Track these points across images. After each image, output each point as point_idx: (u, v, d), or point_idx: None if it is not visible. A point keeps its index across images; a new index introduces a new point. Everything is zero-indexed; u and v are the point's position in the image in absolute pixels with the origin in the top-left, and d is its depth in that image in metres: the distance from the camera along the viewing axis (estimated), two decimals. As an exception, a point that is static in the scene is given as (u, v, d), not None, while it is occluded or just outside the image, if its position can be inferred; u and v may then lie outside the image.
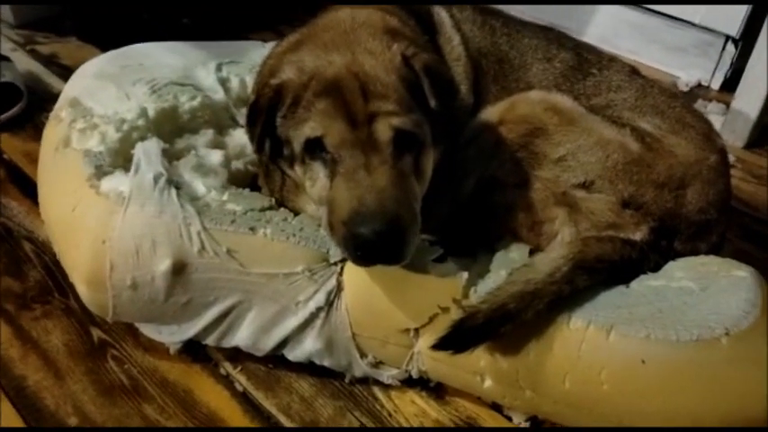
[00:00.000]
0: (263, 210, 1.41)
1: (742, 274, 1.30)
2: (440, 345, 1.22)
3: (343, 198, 1.17)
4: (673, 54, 2.73)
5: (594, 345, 1.21)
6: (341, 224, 1.17)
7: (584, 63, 1.64)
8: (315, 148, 1.23)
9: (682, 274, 1.33)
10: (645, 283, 1.31)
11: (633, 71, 1.68)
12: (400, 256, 1.18)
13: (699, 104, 2.56)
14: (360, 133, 1.19)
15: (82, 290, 1.41)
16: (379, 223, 1.13)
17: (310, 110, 1.22)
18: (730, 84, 2.48)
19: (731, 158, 2.23)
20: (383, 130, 1.19)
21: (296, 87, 1.25)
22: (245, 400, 1.41)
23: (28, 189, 1.90)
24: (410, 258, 1.22)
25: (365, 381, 1.44)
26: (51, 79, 2.44)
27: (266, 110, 1.28)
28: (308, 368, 1.44)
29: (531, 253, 1.39)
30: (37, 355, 1.46)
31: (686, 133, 1.49)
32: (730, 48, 2.58)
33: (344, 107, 1.20)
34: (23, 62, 2.48)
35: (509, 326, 1.21)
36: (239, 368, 1.46)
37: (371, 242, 1.13)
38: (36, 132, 2.12)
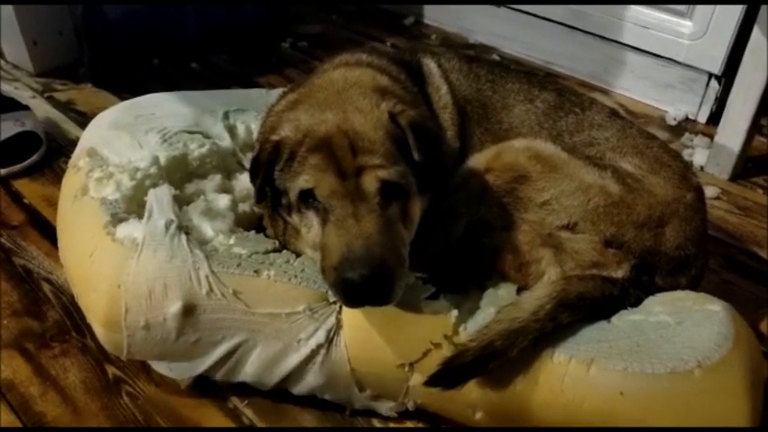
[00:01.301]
0: (266, 252, 1.50)
1: (715, 308, 1.38)
2: (432, 381, 1.29)
3: (333, 244, 1.27)
4: (661, 90, 2.83)
5: (576, 378, 1.29)
6: (332, 269, 1.26)
7: (566, 102, 1.74)
8: (308, 198, 1.33)
9: (660, 308, 1.40)
10: (625, 318, 1.39)
11: (613, 113, 1.77)
12: (387, 299, 1.27)
13: (686, 138, 2.64)
14: (348, 185, 1.29)
15: (99, 331, 1.50)
16: (366, 268, 1.21)
17: (304, 164, 1.33)
18: (715, 117, 2.57)
19: (716, 191, 2.33)
20: (370, 181, 1.29)
21: (292, 144, 1.36)
22: (251, 432, 1.49)
23: (47, 232, 2.00)
24: (403, 297, 1.30)
25: (365, 413, 1.51)
26: (68, 125, 2.56)
27: (266, 164, 1.39)
28: (311, 401, 1.51)
29: (519, 291, 1.47)
30: (56, 392, 1.55)
31: (664, 173, 1.56)
32: (714, 84, 2.68)
33: (334, 161, 1.30)
34: (42, 109, 2.61)
35: (496, 362, 1.29)
36: (246, 402, 1.53)
37: (359, 286, 1.22)
38: (54, 177, 2.24)
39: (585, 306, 1.37)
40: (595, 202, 1.46)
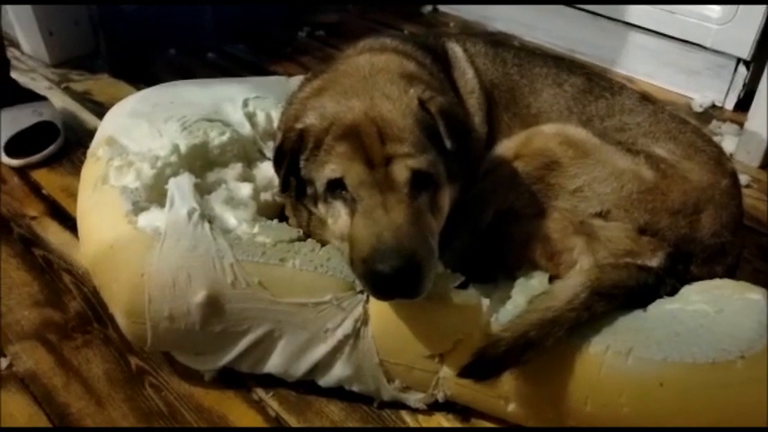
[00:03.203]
0: (291, 241, 1.48)
1: (755, 296, 1.34)
2: (464, 373, 1.26)
3: (362, 235, 1.24)
4: (687, 76, 2.77)
5: (614, 368, 1.25)
6: (361, 260, 1.23)
7: (596, 87, 1.70)
8: (336, 188, 1.30)
9: (697, 297, 1.36)
10: (661, 307, 1.35)
11: (643, 97, 1.73)
12: (417, 291, 1.24)
13: (713, 125, 2.59)
14: (377, 174, 1.25)
15: (121, 321, 1.48)
16: (397, 260, 1.18)
17: (331, 153, 1.29)
18: (744, 104, 2.51)
19: (746, 179, 2.27)
20: (400, 171, 1.26)
21: (317, 132, 1.32)
22: (277, 424, 1.46)
23: (66, 222, 1.99)
24: (432, 287, 1.27)
25: (393, 405, 1.48)
26: (85, 115, 2.54)
27: (290, 153, 1.36)
28: (337, 393, 1.49)
29: (551, 280, 1.43)
30: (79, 383, 1.54)
31: (698, 158, 1.52)
32: (742, 69, 2.61)
33: (363, 150, 1.26)
34: (59, 99, 2.59)
35: (531, 353, 1.25)
36: (271, 394, 1.51)
37: (389, 278, 1.19)
38: (72, 167, 2.23)
39: (620, 295, 1.34)
40: (629, 189, 1.42)
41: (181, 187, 1.54)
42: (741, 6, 2.48)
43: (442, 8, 3.51)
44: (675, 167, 1.48)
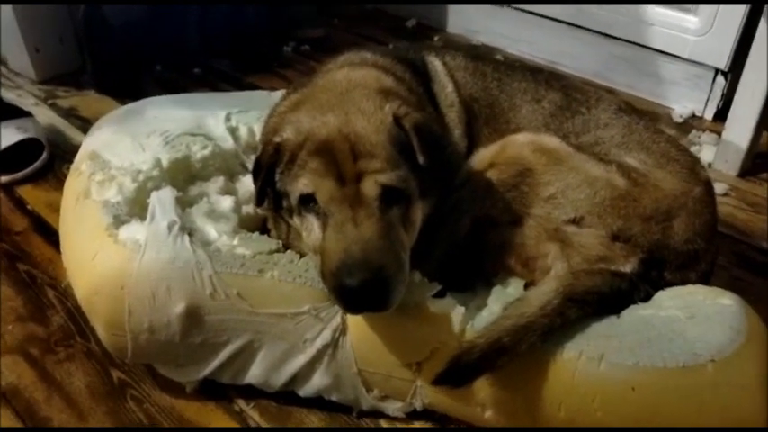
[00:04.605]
0: (270, 252, 1.49)
1: (727, 302, 1.36)
2: (439, 380, 1.28)
3: (331, 249, 1.25)
4: (667, 87, 2.81)
5: (587, 374, 1.26)
6: (330, 274, 1.24)
7: (573, 102, 1.72)
8: (308, 202, 1.32)
9: (670, 302, 1.38)
10: (635, 313, 1.37)
11: (620, 108, 1.75)
12: (385, 305, 1.25)
13: (693, 135, 2.62)
14: (348, 190, 1.27)
15: (102, 334, 1.49)
16: (364, 273, 1.20)
17: (304, 168, 1.31)
18: (723, 114, 2.54)
19: (725, 187, 2.31)
20: (370, 186, 1.27)
21: (292, 147, 1.34)
22: (258, 435, 1.47)
23: (51, 237, 2.00)
24: (409, 296, 1.30)
25: (372, 414, 1.49)
26: (71, 131, 2.56)
27: (267, 166, 1.38)
28: (317, 403, 1.50)
29: (527, 287, 1.45)
30: (60, 396, 1.54)
31: (671, 167, 1.55)
32: (720, 80, 2.65)
33: (335, 166, 1.28)
34: (45, 116, 2.61)
35: (505, 359, 1.26)
36: (252, 405, 1.52)
37: (357, 291, 1.20)
38: (57, 183, 2.23)
39: (594, 301, 1.35)
40: (602, 196, 1.45)
41: (162, 201, 1.55)
42: (718, 18, 2.52)
43: (427, 23, 3.55)
44: (647, 176, 1.50)
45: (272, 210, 1.49)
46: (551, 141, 1.52)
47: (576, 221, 1.44)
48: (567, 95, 1.74)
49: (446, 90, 1.70)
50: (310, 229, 1.34)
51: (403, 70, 1.66)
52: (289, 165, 1.35)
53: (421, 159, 1.34)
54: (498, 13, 3.24)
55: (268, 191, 1.43)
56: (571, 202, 1.44)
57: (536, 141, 1.51)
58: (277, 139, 1.38)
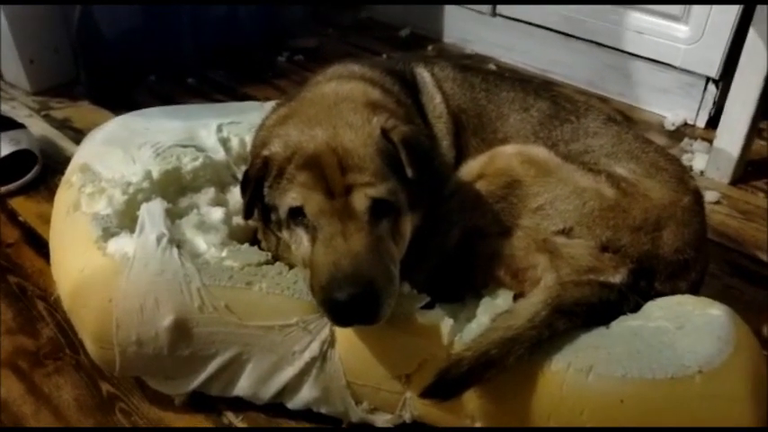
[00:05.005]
0: (259, 265, 1.49)
1: (716, 312, 1.35)
2: (427, 393, 1.27)
3: (320, 263, 1.25)
4: (659, 95, 2.82)
5: (575, 386, 1.26)
6: (320, 287, 1.24)
7: (561, 111, 1.73)
8: (297, 215, 1.32)
9: (659, 313, 1.37)
10: (624, 324, 1.36)
11: (609, 118, 1.75)
12: (375, 318, 1.25)
13: (685, 143, 2.62)
14: (337, 203, 1.27)
15: (90, 347, 1.49)
16: (353, 287, 1.20)
17: (293, 182, 1.31)
18: (714, 122, 2.54)
19: (717, 195, 2.31)
20: (359, 199, 1.27)
21: (281, 160, 1.34)
22: (246, 447, 1.46)
23: (42, 249, 1.99)
24: (398, 308, 1.29)
25: (362, 426, 1.48)
26: (64, 142, 2.56)
27: (255, 180, 1.38)
28: (306, 416, 1.49)
29: (516, 298, 1.45)
30: (49, 410, 1.53)
31: (660, 177, 1.55)
32: (711, 88, 2.66)
33: (323, 180, 1.28)
34: (38, 127, 2.61)
35: (493, 371, 1.26)
36: (241, 417, 1.52)
37: (346, 305, 1.20)
38: (49, 194, 2.22)
39: (582, 312, 1.35)
40: (590, 206, 1.44)
41: (152, 213, 1.55)
42: (708, 26, 2.53)
43: (420, 32, 3.57)
44: (636, 186, 1.50)
45: (262, 223, 1.49)
46: (540, 152, 1.52)
47: (565, 232, 1.44)
48: (555, 104, 1.74)
49: (434, 101, 1.70)
50: (299, 242, 1.34)
51: (391, 82, 1.66)
52: (277, 178, 1.35)
53: (409, 172, 1.35)
54: (492, 22, 3.25)
55: (257, 204, 1.43)
56: (560, 212, 1.44)
57: (524, 152, 1.51)
58: (265, 153, 1.38)
